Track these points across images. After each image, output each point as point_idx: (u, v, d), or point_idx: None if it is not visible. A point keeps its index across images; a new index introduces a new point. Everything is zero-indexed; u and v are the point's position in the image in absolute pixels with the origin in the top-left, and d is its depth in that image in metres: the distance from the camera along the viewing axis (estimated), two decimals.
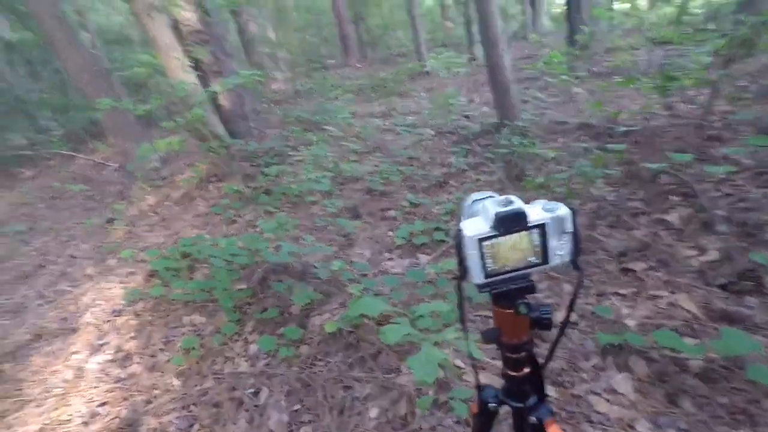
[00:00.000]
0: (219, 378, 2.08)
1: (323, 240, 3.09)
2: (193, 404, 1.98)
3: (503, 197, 0.73)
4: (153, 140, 5.25)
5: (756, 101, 3.19)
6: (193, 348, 2.29)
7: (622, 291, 1.99)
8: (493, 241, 0.70)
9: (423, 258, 2.68)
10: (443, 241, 2.78)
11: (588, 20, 5.99)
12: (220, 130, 5.12)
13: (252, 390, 1.95)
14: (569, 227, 0.71)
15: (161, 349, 2.40)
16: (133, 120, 5.75)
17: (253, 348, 2.21)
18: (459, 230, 0.72)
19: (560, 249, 0.72)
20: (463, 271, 0.74)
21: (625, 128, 3.31)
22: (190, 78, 4.32)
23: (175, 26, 4.94)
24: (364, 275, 2.46)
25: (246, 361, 2.14)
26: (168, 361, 2.27)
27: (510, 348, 0.82)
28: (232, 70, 5.46)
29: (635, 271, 2.09)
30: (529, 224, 0.70)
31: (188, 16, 4.96)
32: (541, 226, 0.70)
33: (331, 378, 1.88)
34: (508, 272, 0.73)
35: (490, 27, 3.66)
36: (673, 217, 2.36)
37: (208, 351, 2.26)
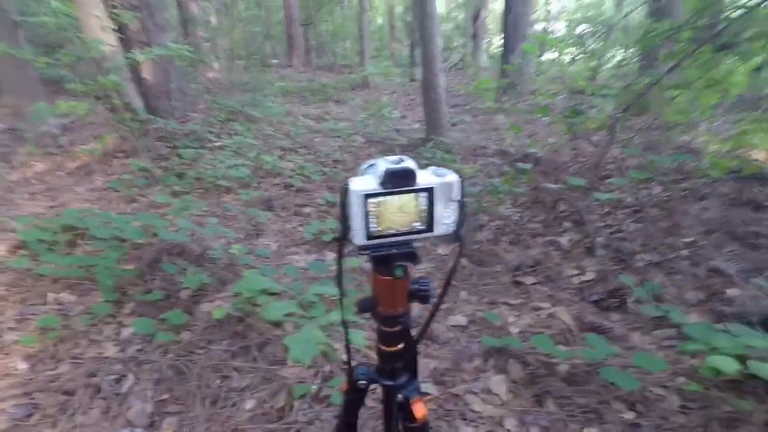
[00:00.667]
0: (77, 362, 1.84)
1: (231, 228, 2.93)
2: (39, 391, 1.73)
3: (396, 156, 0.72)
4: (55, 102, 4.71)
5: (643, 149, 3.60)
6: (53, 329, 2.01)
7: (511, 301, 2.10)
8: (380, 199, 0.67)
9: (330, 255, 2.64)
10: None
11: (520, 57, 6.46)
12: (138, 103, 4.74)
13: (114, 377, 1.76)
14: (456, 195, 0.71)
15: (11, 328, 2.08)
16: (34, 77, 5.14)
17: (126, 332, 2.00)
18: (345, 185, 0.68)
19: (446, 218, 0.72)
20: (344, 230, 0.70)
21: (536, 157, 3.56)
22: (109, 39, 3.95)
23: None
24: (266, 260, 2.36)
25: (115, 345, 1.93)
26: (17, 341, 1.98)
27: (385, 320, 0.79)
28: (161, 45, 5.10)
29: (525, 284, 2.22)
30: (418, 186, 0.69)
31: None
32: (429, 190, 0.69)
33: (209, 366, 1.75)
34: (391, 235, 0.71)
35: (429, 45, 3.80)
36: (564, 240, 2.56)
37: (71, 333, 2.00)
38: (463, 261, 2.52)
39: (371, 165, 0.73)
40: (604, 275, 2.12)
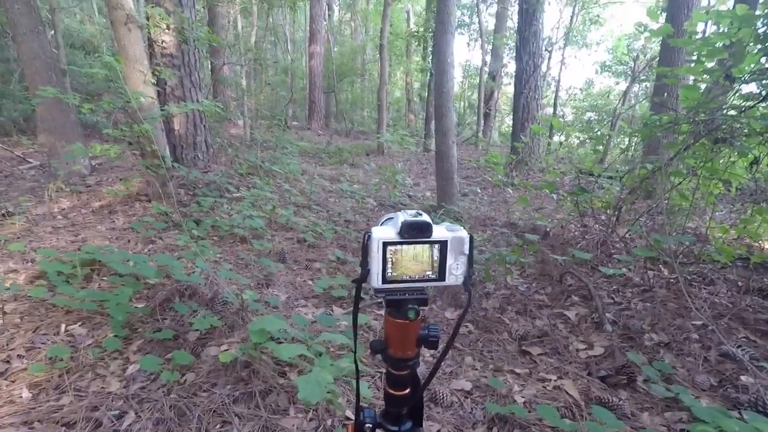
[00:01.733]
0: (81, 395, 1.84)
1: (242, 275, 2.99)
2: (39, 421, 1.71)
3: (414, 210, 0.81)
4: (90, 144, 4.99)
5: (647, 231, 3.68)
6: (61, 359, 2.02)
7: (517, 370, 2.08)
8: (397, 247, 0.76)
9: (338, 310, 2.66)
10: (362, 298, 2.79)
11: (529, 137, 6.80)
12: (166, 151, 5.00)
13: (116, 413, 1.74)
14: (466, 249, 0.80)
15: (20, 356, 2.10)
16: (73, 120, 5.48)
17: (132, 368, 2.00)
18: (367, 233, 0.78)
19: (455, 269, 0.80)
20: (364, 274, 0.79)
21: (544, 230, 3.65)
22: (149, 92, 4.28)
23: (150, 44, 5.00)
24: (275, 308, 2.38)
25: (120, 381, 1.93)
26: (24, 369, 1.99)
27: (395, 363, 0.85)
28: (194, 101, 5.49)
29: (531, 354, 2.21)
30: (433, 239, 0.77)
31: (166, 39, 5.05)
32: (443, 243, 0.78)
33: (211, 410, 1.74)
34: (405, 281, 0.79)
35: (444, 118, 4.06)
36: (571, 314, 2.57)
37: (78, 365, 2.01)
38: (470, 327, 2.53)
39: (390, 218, 0.83)
40: (612, 351, 2.12)
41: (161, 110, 4.53)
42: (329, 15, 18.50)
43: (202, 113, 5.71)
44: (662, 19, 6.20)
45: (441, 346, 0.86)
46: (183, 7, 5.19)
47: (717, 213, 3.94)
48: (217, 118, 8.78)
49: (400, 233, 0.76)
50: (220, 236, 3.84)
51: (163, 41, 5.06)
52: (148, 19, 4.84)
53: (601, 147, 5.55)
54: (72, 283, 2.67)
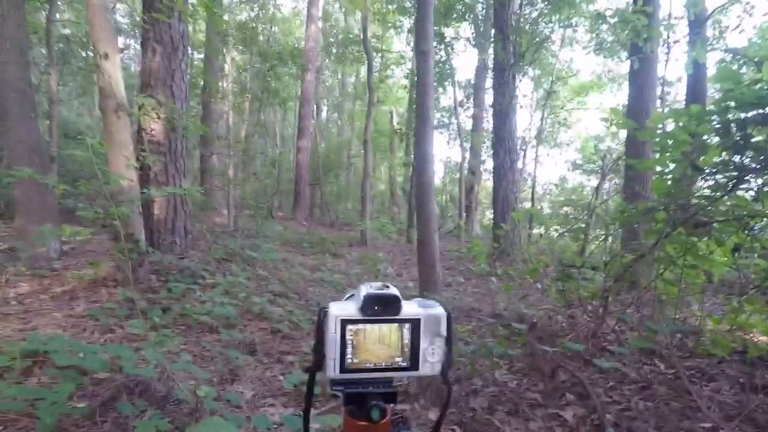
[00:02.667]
0: None
1: (205, 369, 2.70)
2: None
3: (380, 283, 0.69)
4: (62, 227, 4.84)
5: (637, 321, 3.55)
6: None
7: None
8: (359, 326, 0.63)
9: (312, 412, 2.36)
10: (336, 396, 2.51)
11: (510, 224, 6.90)
12: (141, 235, 4.86)
13: None
14: (444, 331, 0.67)
15: None
16: (51, 204, 5.37)
17: None
18: (323, 308, 0.65)
19: (431, 355, 0.66)
20: (318, 359, 0.64)
21: (531, 321, 3.49)
22: (131, 175, 4.26)
23: (138, 131, 5.12)
24: (237, 408, 2.10)
25: None
26: None
27: None
28: (177, 187, 5.49)
29: None
30: (402, 317, 0.65)
31: (155, 126, 5.19)
32: (415, 321, 0.65)
33: None
34: (369, 370, 0.64)
35: (425, 206, 4.09)
36: (568, 415, 2.33)
37: None
38: (457, 430, 2.26)
39: (353, 294, 0.70)
40: None
41: (141, 193, 4.49)
42: (317, 113, 19.75)
43: (184, 198, 5.68)
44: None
45: None
46: (175, 98, 5.42)
47: (704, 304, 3.87)
48: (201, 206, 8.80)
49: (362, 309, 0.62)
50: (188, 325, 3.56)
51: (152, 129, 5.20)
52: (139, 108, 5.01)
53: (581, 238, 5.61)
54: (6, 378, 2.35)
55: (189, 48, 6.27)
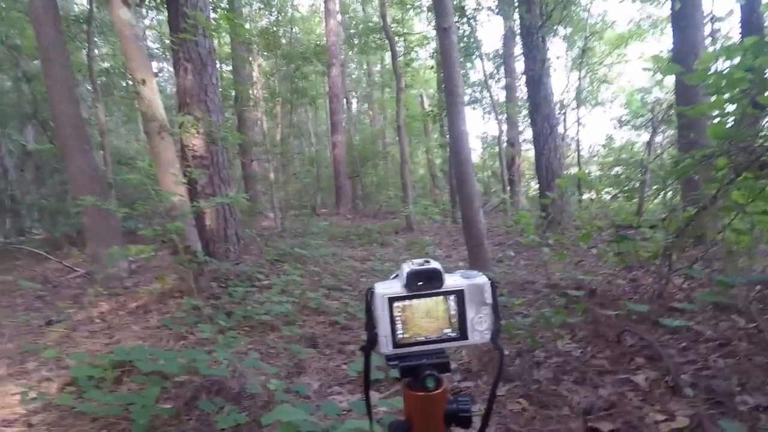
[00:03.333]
0: None
1: (272, 365, 2.84)
2: None
3: (421, 259, 0.70)
4: (126, 247, 5.19)
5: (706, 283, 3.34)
6: None
7: None
8: (406, 303, 0.65)
9: (375, 395, 2.43)
10: (398, 379, 2.56)
11: (557, 192, 6.66)
12: (198, 246, 5.13)
13: None
14: (489, 298, 0.67)
15: None
16: (114, 227, 5.78)
17: None
18: (370, 289, 0.67)
19: (479, 323, 0.67)
20: (371, 338, 0.67)
21: (589, 288, 3.39)
22: (180, 191, 4.49)
23: (181, 148, 5.37)
24: (306, 398, 2.19)
25: None
26: None
27: None
28: (223, 196, 5.73)
29: (601, 430, 1.89)
30: (445, 288, 0.66)
31: (196, 142, 5.43)
32: (459, 293, 0.66)
33: None
34: (420, 343, 0.66)
35: (466, 184, 4.03)
36: (639, 379, 2.25)
37: None
38: (522, 403, 2.24)
39: (397, 274, 0.72)
40: (701, 421, 1.79)
41: (192, 206, 4.73)
42: (348, 107, 19.84)
43: (231, 207, 5.93)
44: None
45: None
46: (210, 113, 5.64)
47: None
48: (248, 212, 9.15)
49: (407, 285, 0.64)
50: (251, 326, 3.75)
51: (193, 144, 5.44)
52: (180, 126, 5.26)
53: (636, 198, 5.32)
54: (102, 388, 2.58)
55: (217, 61, 6.49)
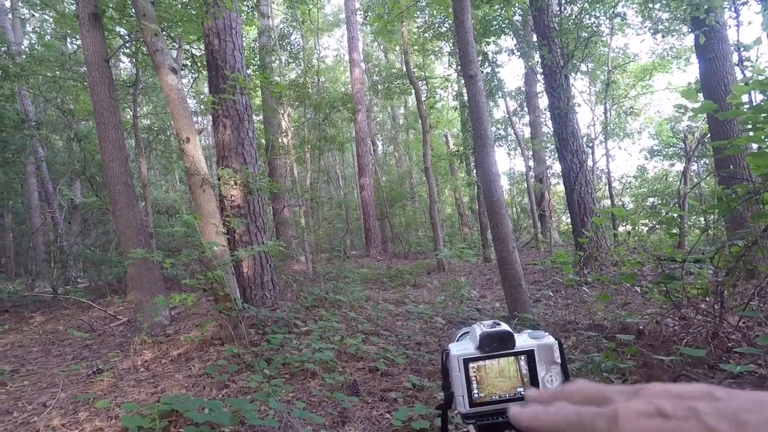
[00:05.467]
0: None
1: (316, 413, 2.83)
2: None
3: (490, 321, 0.75)
4: (169, 295, 5.37)
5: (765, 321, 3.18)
6: None
7: None
8: (480, 363, 0.69)
9: None
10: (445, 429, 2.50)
11: (592, 229, 6.53)
12: (236, 294, 5.26)
13: None
14: (557, 357, 0.70)
15: None
16: (157, 276, 6.01)
17: None
18: (445, 351, 0.72)
19: (550, 382, 0.70)
20: (448, 398, 0.71)
21: (637, 329, 3.26)
22: (221, 241, 4.67)
23: (220, 199, 5.63)
24: None
25: None
26: None
27: None
28: (260, 243, 5.92)
29: None
30: (517, 349, 0.70)
31: (234, 193, 5.69)
32: (529, 353, 0.70)
33: None
34: (495, 402, 0.70)
35: (500, 225, 4.04)
36: None
37: None
38: None
39: (466, 332, 0.76)
40: None
41: (231, 255, 4.90)
42: (374, 150, 20.34)
43: (267, 254, 6.09)
44: (700, 97, 6.22)
45: None
46: (247, 164, 5.92)
47: None
48: (281, 257, 9.35)
49: (480, 347, 0.68)
50: (291, 373, 3.76)
51: (231, 195, 5.70)
52: (219, 179, 5.53)
53: (676, 230, 5.18)
54: None
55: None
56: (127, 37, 8.22)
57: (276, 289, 6.38)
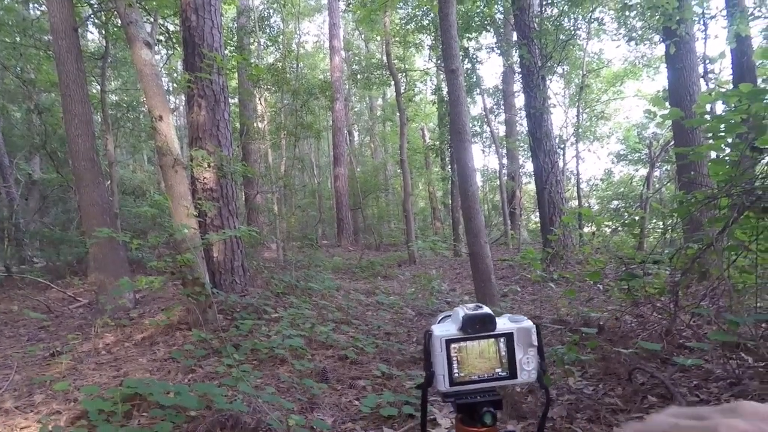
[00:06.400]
0: None
1: (285, 399, 2.83)
2: None
3: (473, 304, 0.78)
4: (135, 278, 5.22)
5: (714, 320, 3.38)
6: None
7: None
8: (461, 344, 0.72)
9: (388, 431, 2.43)
10: (412, 416, 2.56)
11: (560, 228, 6.74)
12: (206, 278, 5.16)
13: None
14: (535, 341, 0.74)
15: None
16: (122, 257, 5.82)
17: None
18: (428, 331, 0.74)
19: (527, 364, 0.74)
20: (429, 377, 0.73)
21: (598, 324, 3.41)
22: (192, 223, 4.57)
23: (192, 181, 5.48)
24: None
25: None
26: None
27: None
28: (232, 228, 5.81)
29: None
30: (497, 332, 0.73)
31: (207, 175, 5.55)
32: (509, 335, 0.73)
33: None
34: (474, 381, 0.72)
35: (473, 219, 4.12)
36: None
37: None
38: None
39: (448, 315, 0.79)
40: None
41: (202, 239, 4.79)
42: (350, 140, 20.22)
43: (239, 239, 5.99)
44: (668, 105, 6.48)
45: None
46: (222, 147, 5.79)
47: None
48: (252, 243, 9.20)
49: (463, 328, 0.71)
50: (259, 359, 3.74)
51: (204, 177, 5.56)
52: (191, 160, 5.39)
53: (637, 231, 5.41)
54: (112, 422, 2.57)
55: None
56: (97, 6, 7.83)
57: (246, 275, 6.29)
